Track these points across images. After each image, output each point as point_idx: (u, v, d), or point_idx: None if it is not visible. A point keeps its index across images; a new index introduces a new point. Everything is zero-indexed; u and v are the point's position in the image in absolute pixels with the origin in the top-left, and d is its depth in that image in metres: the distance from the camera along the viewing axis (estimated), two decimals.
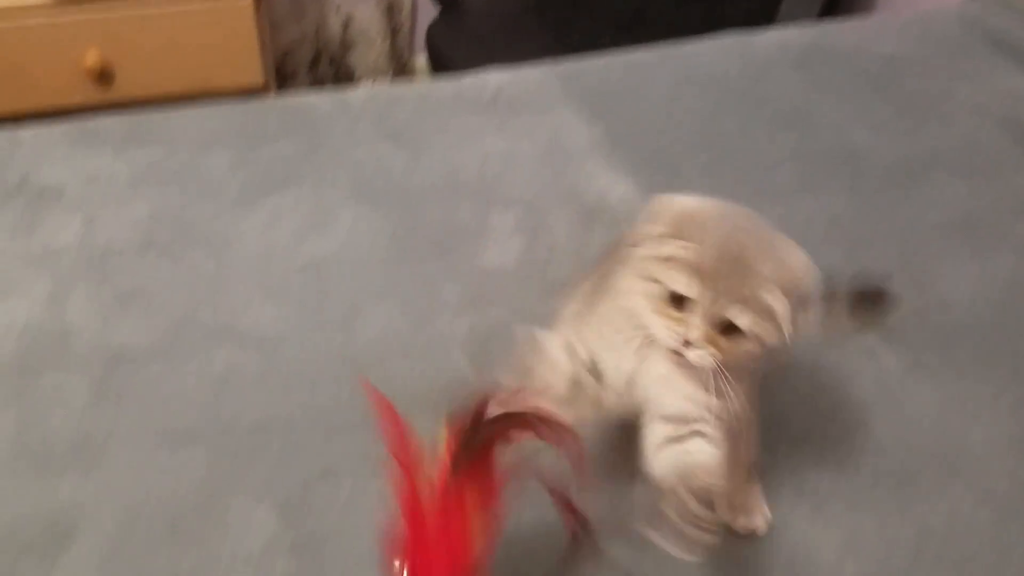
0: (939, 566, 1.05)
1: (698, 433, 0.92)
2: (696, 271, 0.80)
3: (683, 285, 0.81)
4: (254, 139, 1.68)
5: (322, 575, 1.01)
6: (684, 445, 0.92)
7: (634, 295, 0.85)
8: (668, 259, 0.82)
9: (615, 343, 0.92)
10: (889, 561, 1.06)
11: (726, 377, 0.85)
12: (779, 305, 0.81)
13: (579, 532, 0.96)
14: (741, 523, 1.07)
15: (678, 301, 0.83)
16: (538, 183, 1.61)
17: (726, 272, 0.80)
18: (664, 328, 0.84)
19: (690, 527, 0.82)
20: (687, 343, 0.84)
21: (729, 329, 0.83)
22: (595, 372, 0.96)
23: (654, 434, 0.94)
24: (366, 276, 1.42)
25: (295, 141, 1.68)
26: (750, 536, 1.06)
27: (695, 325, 0.82)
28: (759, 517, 1.07)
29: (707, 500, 0.85)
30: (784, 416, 1.21)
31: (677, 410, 0.93)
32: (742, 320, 0.81)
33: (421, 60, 3.34)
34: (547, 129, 1.74)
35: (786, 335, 0.81)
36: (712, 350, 0.83)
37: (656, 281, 0.83)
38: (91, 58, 2.44)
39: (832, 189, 1.61)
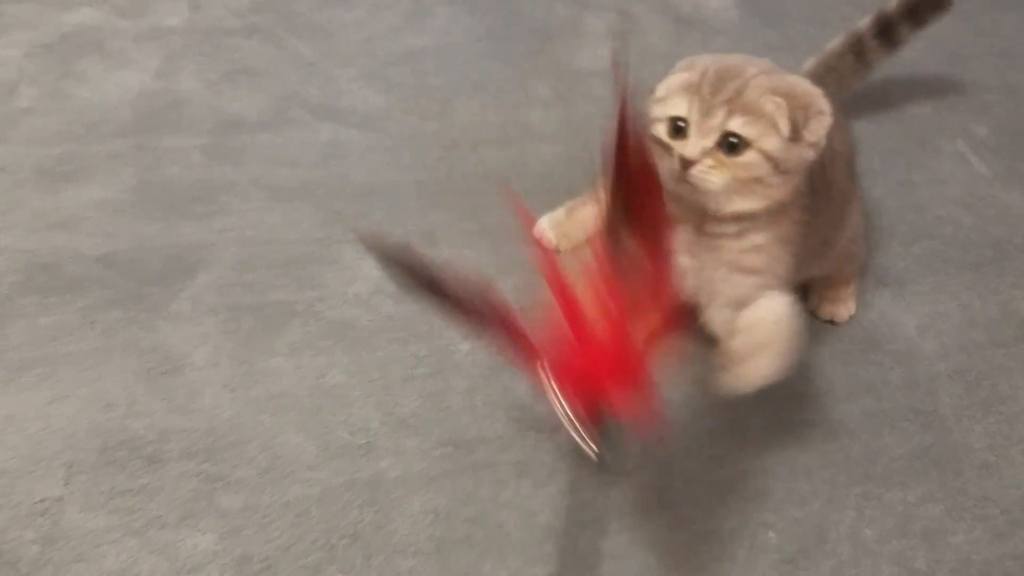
0: (1019, 343, 1.08)
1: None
2: (688, 89, 0.82)
3: (675, 106, 0.83)
4: None
5: (424, 320, 1.08)
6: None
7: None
8: (663, 96, 0.84)
9: None
10: (968, 337, 1.09)
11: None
12: (772, 105, 0.81)
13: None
14: (826, 310, 1.11)
15: (681, 132, 0.84)
16: None
17: (717, 85, 0.81)
18: (665, 159, 0.84)
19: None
20: (687, 165, 0.82)
21: (731, 148, 0.83)
22: None
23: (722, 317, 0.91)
24: (460, 69, 1.44)
25: None
26: (829, 322, 1.10)
27: (691, 142, 0.83)
28: (843, 309, 1.11)
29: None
30: (875, 208, 1.23)
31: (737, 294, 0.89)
32: (734, 123, 0.81)
33: None
34: None
35: (784, 134, 0.81)
36: (712, 162, 0.82)
37: (658, 120, 0.84)
38: None
39: None
